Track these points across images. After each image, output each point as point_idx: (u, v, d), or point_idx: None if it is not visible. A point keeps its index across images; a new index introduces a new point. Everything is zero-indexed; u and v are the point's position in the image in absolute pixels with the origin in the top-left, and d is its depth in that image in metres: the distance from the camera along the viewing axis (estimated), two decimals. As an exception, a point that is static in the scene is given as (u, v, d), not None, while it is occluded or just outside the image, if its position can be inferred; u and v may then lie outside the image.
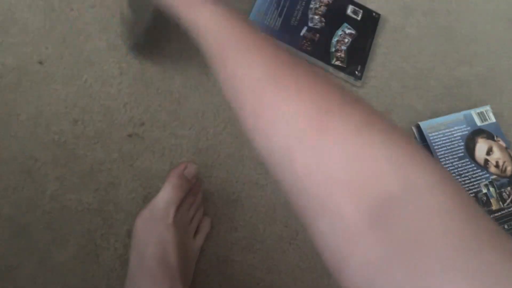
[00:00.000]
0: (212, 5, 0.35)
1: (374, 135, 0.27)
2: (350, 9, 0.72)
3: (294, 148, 0.28)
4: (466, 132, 0.72)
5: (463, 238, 0.23)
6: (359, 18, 0.72)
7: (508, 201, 0.70)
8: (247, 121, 0.32)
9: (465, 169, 0.69)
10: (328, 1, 0.71)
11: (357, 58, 0.71)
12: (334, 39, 0.71)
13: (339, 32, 0.71)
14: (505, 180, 0.71)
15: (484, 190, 0.69)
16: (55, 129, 0.55)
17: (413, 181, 0.26)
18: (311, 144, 0.28)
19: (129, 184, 0.56)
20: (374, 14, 0.74)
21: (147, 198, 0.55)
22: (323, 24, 0.71)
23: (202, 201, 0.57)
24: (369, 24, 0.74)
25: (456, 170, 0.69)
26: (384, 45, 0.76)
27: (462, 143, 0.71)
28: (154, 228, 0.49)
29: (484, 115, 0.75)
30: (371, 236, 0.25)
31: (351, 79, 0.70)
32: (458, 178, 0.68)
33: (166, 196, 0.50)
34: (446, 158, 0.69)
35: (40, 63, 0.57)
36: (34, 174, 0.53)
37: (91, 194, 0.54)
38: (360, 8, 0.73)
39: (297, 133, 0.28)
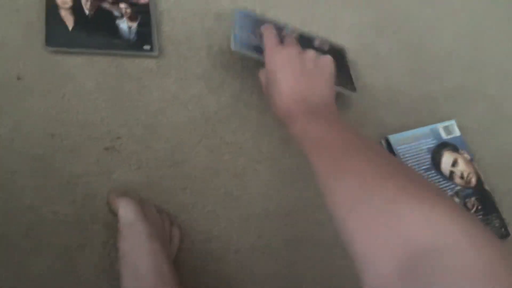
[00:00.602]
0: (309, 123, 0.51)
1: (410, 203, 0.34)
2: (316, 42, 0.72)
3: (346, 216, 0.39)
4: (432, 145, 0.76)
5: None
6: (327, 49, 0.72)
7: (473, 210, 0.73)
8: (324, 195, 0.44)
9: (432, 180, 0.73)
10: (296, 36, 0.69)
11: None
12: None
13: None
14: (469, 191, 0.75)
15: (450, 201, 0.72)
16: (32, 143, 0.56)
17: (443, 240, 0.30)
18: (357, 214, 0.37)
19: (105, 197, 0.57)
20: (336, 48, 0.75)
21: (123, 210, 0.57)
22: None
23: (162, 209, 0.59)
24: (338, 52, 0.75)
25: (423, 181, 0.72)
26: (356, 61, 0.80)
27: (429, 156, 0.75)
28: (139, 242, 0.50)
29: (449, 129, 0.79)
30: (400, 286, 0.31)
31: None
32: (424, 189, 0.71)
33: (127, 207, 0.52)
34: (414, 170, 0.72)
35: (19, 78, 0.58)
36: (11, 186, 0.54)
37: (68, 206, 0.55)
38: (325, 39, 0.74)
39: (348, 205, 0.39)
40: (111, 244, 0.55)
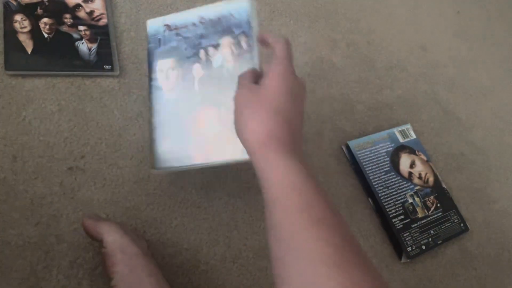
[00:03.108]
0: (282, 161, 0.42)
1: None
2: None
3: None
4: (391, 148, 0.79)
5: None
6: None
7: (432, 208, 0.77)
8: (275, 265, 0.39)
9: (392, 182, 0.76)
10: None
11: None
12: None
13: None
14: (428, 190, 0.78)
15: (410, 200, 0.75)
16: (-7, 167, 0.56)
17: None
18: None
19: (70, 216, 0.57)
20: None
21: (90, 228, 0.57)
22: None
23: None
24: None
25: (383, 183, 0.75)
26: (312, 74, 0.83)
27: (388, 159, 0.78)
28: (137, 264, 0.50)
29: (405, 132, 0.83)
30: None
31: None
32: (385, 191, 0.74)
33: (113, 232, 0.50)
34: (374, 173, 0.75)
35: (-23, 103, 0.58)
36: (-28, 212, 0.53)
37: (32, 228, 0.55)
38: None
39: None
40: (78, 264, 0.55)
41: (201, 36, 0.57)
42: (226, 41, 0.56)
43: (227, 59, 0.56)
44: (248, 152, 0.45)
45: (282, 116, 0.44)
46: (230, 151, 0.53)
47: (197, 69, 0.57)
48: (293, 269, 0.36)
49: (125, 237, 0.51)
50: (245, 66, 0.53)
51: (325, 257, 0.35)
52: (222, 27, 0.56)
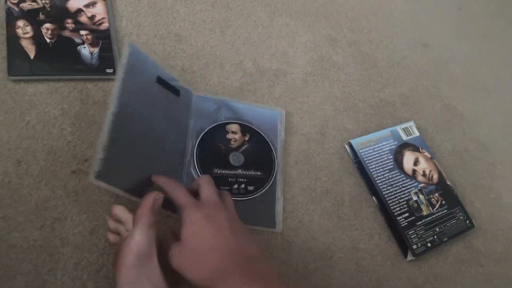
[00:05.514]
0: None
1: None
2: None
3: None
4: (394, 146, 0.79)
5: None
6: None
7: (437, 206, 0.76)
8: None
9: (396, 179, 0.76)
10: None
11: None
12: None
13: None
14: (432, 187, 0.78)
15: (415, 198, 0.75)
16: (-2, 171, 0.57)
17: None
18: None
19: (75, 219, 0.57)
20: None
21: (95, 230, 0.57)
22: None
23: None
24: None
25: (387, 181, 0.75)
26: (314, 73, 0.83)
27: (391, 157, 0.78)
28: (146, 275, 0.47)
29: (408, 130, 0.83)
30: None
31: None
32: (389, 189, 0.74)
33: (145, 236, 0.47)
34: (378, 171, 0.75)
35: (-19, 108, 0.59)
36: (-23, 216, 0.54)
37: (37, 231, 0.55)
38: None
39: None
40: (83, 266, 0.55)
41: None
42: None
43: None
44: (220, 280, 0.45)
45: (207, 266, 0.44)
46: None
47: None
48: None
49: (151, 244, 0.48)
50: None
51: None
52: None
